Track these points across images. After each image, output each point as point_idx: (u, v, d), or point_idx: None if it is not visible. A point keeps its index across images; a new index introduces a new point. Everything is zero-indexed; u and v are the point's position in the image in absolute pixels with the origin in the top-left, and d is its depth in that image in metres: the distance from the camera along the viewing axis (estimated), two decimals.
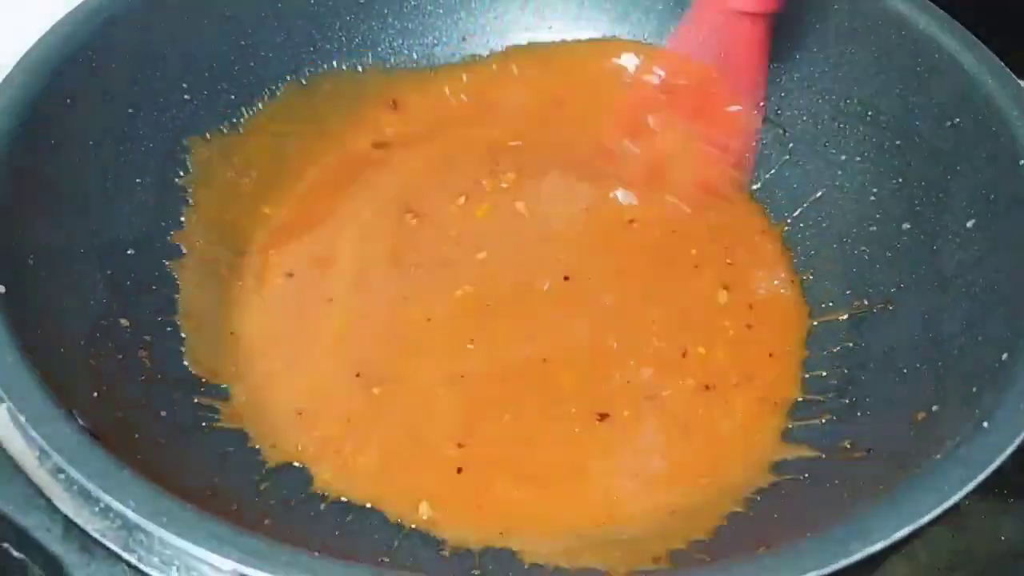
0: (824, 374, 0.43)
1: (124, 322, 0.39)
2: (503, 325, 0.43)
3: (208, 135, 0.49)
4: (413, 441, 0.39)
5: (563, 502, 0.37)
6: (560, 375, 0.41)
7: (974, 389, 0.34)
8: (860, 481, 0.35)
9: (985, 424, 0.30)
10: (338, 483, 0.37)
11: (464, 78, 0.54)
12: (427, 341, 0.43)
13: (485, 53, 0.55)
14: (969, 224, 0.41)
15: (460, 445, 0.39)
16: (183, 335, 0.42)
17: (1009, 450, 0.28)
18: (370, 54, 0.54)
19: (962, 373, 0.36)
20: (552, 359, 0.42)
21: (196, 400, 0.40)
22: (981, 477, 0.27)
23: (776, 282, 0.46)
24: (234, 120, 0.50)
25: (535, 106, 0.53)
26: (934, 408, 0.36)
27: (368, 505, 0.37)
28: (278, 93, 0.52)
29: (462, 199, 0.49)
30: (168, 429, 0.37)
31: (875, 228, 0.46)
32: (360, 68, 0.54)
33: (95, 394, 0.35)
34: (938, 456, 0.30)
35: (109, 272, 0.42)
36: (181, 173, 0.48)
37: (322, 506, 0.36)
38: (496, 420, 0.40)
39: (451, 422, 0.39)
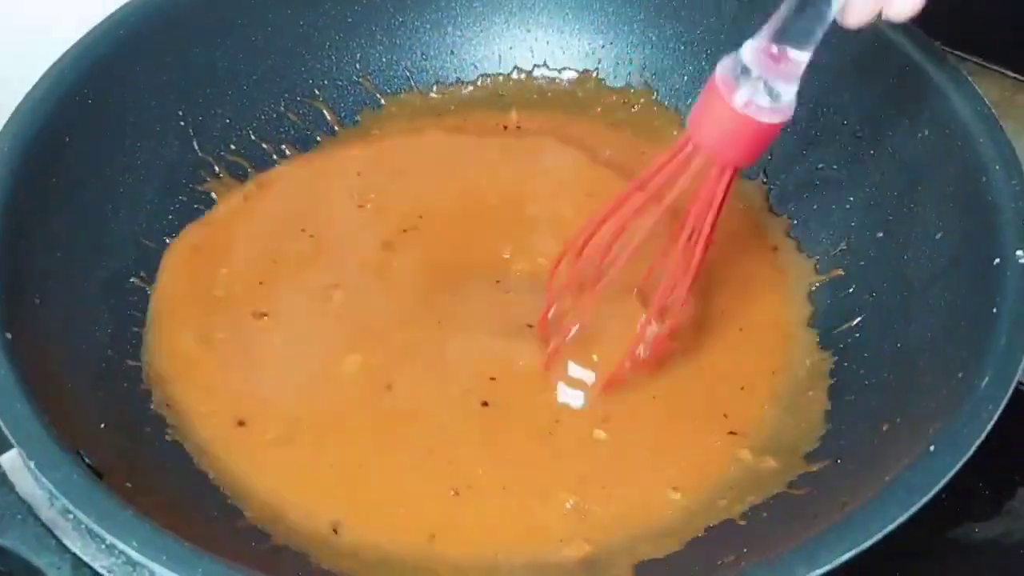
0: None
1: (132, 363, 0.42)
2: None
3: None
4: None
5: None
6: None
7: (932, 405, 0.36)
8: (827, 491, 0.37)
9: (932, 448, 0.31)
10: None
11: None
12: None
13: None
14: (937, 236, 0.42)
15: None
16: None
17: (949, 475, 0.30)
18: (361, 71, 0.56)
19: (924, 388, 0.38)
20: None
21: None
22: (921, 502, 0.29)
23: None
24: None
25: None
26: (898, 420, 0.37)
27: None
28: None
29: None
30: (176, 455, 0.40)
31: (851, 236, 0.47)
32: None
33: (102, 425, 0.38)
34: (887, 478, 0.31)
35: (112, 302, 0.44)
36: (182, 198, 0.50)
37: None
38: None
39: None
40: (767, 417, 0.42)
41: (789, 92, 0.36)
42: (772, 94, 0.35)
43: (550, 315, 0.42)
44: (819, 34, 0.35)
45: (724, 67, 0.36)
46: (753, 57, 0.35)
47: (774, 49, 0.35)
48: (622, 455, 0.41)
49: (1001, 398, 0.32)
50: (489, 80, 0.57)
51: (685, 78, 0.55)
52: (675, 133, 0.53)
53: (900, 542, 0.29)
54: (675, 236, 0.39)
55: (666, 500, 0.39)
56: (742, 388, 0.43)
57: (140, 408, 0.41)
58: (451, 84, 0.57)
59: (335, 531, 0.38)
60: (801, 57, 0.35)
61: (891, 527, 0.29)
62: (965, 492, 0.38)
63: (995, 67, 0.55)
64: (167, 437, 0.41)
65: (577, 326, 0.41)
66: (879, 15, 0.36)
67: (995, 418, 0.31)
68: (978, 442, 0.31)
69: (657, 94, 0.56)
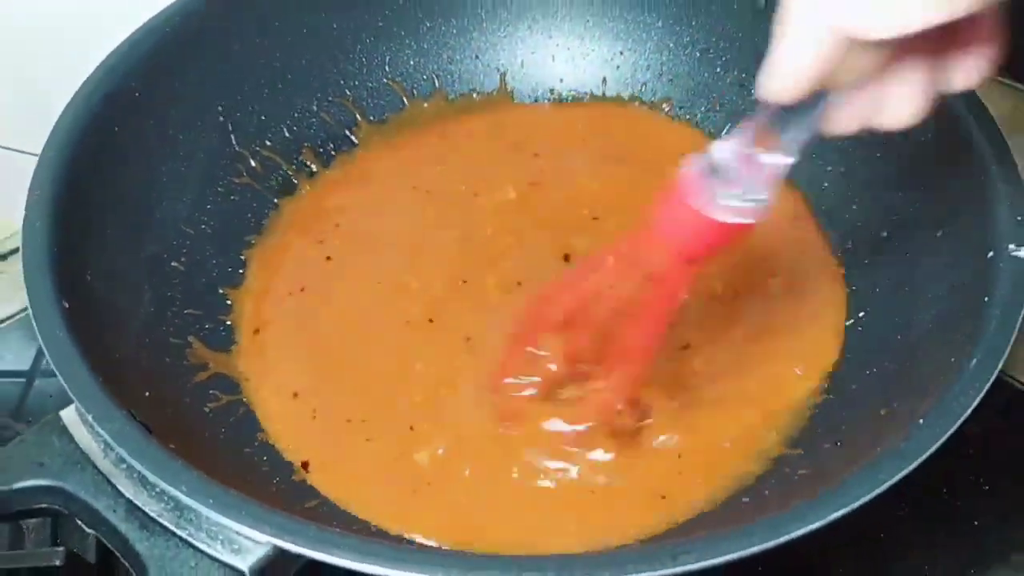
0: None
1: (174, 340, 0.44)
2: None
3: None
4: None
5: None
6: None
7: (928, 388, 0.37)
8: (826, 472, 0.39)
9: (921, 421, 0.33)
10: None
11: None
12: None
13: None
14: (939, 234, 0.44)
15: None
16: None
17: (936, 446, 0.32)
18: (390, 73, 0.58)
19: (923, 374, 0.39)
20: None
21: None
22: (909, 469, 0.31)
23: None
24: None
25: None
26: (895, 404, 0.39)
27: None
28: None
29: None
30: (212, 423, 0.42)
31: (856, 236, 0.49)
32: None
33: (147, 394, 0.40)
34: (878, 449, 0.33)
35: (154, 282, 0.46)
36: (220, 189, 0.52)
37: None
38: None
39: None
40: (767, 410, 0.44)
41: (764, 195, 0.34)
42: (747, 198, 0.34)
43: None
44: (804, 143, 0.33)
45: (694, 164, 0.34)
46: (728, 158, 0.33)
47: (752, 153, 0.33)
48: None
49: (988, 377, 0.34)
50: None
51: (701, 85, 0.57)
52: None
53: None
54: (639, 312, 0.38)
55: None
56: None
57: (181, 381, 0.43)
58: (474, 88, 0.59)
59: None
60: (782, 162, 0.34)
61: (880, 489, 0.31)
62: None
63: (1006, 81, 0.57)
64: (207, 409, 0.43)
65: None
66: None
67: (981, 395, 0.34)
68: (964, 416, 0.33)
69: (672, 105, 0.58)
